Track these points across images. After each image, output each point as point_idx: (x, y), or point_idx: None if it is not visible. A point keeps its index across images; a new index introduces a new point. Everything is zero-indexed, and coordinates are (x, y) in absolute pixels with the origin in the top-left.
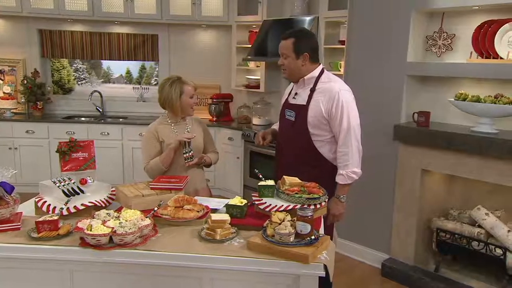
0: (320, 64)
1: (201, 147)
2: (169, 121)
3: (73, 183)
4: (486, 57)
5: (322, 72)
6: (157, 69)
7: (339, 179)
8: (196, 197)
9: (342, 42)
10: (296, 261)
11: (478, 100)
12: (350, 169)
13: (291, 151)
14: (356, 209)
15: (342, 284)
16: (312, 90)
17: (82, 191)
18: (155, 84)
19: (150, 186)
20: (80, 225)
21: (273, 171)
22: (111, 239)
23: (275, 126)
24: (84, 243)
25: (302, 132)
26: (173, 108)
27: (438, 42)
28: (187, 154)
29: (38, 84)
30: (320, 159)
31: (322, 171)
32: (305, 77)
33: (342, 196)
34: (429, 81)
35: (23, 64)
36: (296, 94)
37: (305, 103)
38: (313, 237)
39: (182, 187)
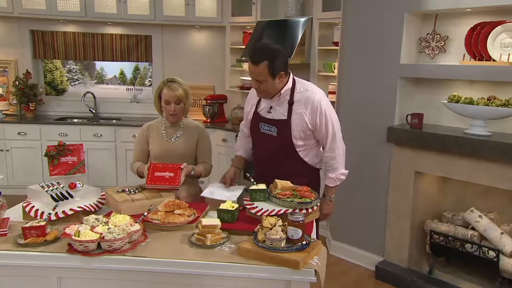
0: (290, 73)
1: (191, 156)
2: (163, 122)
3: (62, 187)
4: (479, 59)
5: (294, 80)
6: (150, 70)
7: (329, 182)
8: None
9: (336, 44)
10: (287, 266)
11: (471, 102)
12: (339, 171)
13: (273, 162)
14: (350, 211)
15: (336, 287)
16: (291, 103)
17: (71, 196)
18: (149, 85)
19: (146, 186)
20: (67, 231)
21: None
22: (99, 245)
23: (240, 153)
24: (71, 249)
25: (286, 145)
26: (156, 109)
27: (431, 44)
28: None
29: (30, 85)
30: (305, 167)
31: (308, 178)
32: (281, 91)
33: (332, 196)
34: (422, 83)
35: (15, 65)
36: (270, 108)
37: (285, 118)
38: (304, 242)
39: (178, 188)
